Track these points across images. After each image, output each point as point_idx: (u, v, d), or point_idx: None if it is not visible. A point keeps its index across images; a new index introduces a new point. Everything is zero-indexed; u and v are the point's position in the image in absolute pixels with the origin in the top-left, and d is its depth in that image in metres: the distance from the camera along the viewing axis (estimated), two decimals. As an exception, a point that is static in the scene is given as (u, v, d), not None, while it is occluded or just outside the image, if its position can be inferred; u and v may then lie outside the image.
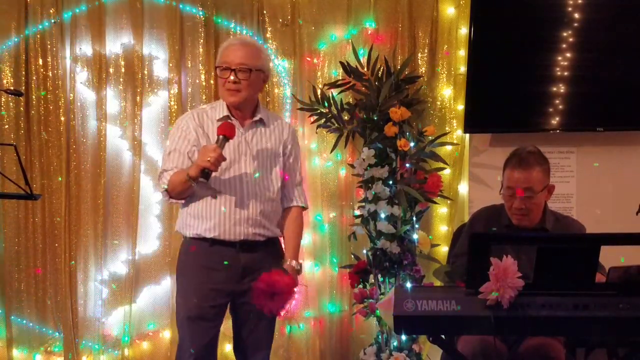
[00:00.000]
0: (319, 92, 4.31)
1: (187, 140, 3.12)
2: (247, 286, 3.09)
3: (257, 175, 3.11)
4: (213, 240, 3.09)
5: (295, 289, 3.06)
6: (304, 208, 3.31)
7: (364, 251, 4.26)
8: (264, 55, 3.19)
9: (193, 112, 3.22)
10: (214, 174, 2.99)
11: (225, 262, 3.08)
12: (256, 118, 3.17)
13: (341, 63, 4.36)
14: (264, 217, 3.12)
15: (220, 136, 2.98)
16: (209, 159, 2.91)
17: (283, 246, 3.25)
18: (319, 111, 4.32)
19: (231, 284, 3.10)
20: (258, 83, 3.15)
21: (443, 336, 2.73)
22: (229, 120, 3.11)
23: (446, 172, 4.38)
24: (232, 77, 3.07)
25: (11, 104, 4.50)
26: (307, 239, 4.51)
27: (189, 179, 2.96)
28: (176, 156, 3.12)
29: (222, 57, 3.13)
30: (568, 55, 4.22)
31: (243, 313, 3.16)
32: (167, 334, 4.53)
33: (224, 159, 2.98)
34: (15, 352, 4.55)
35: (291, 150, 3.25)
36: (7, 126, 4.51)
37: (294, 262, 3.17)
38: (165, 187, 3.09)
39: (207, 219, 3.09)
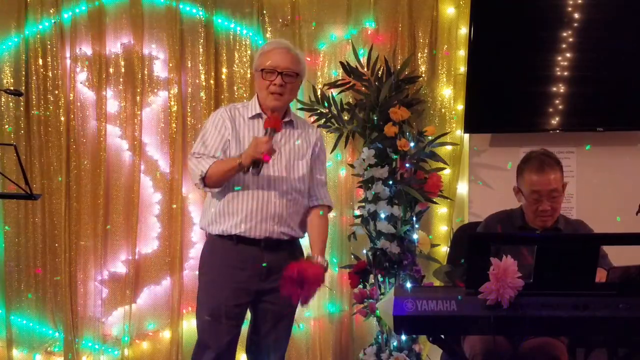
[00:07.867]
0: (319, 92, 4.31)
1: (220, 132, 3.13)
2: (270, 285, 3.11)
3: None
4: (238, 238, 3.09)
5: (322, 281, 3.08)
6: (330, 208, 3.34)
7: (364, 251, 4.25)
8: (303, 63, 3.24)
9: (225, 107, 3.24)
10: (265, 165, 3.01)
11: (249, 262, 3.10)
12: (286, 120, 3.19)
13: (341, 63, 4.36)
14: (290, 215, 3.15)
15: (269, 128, 3.00)
16: (262, 150, 2.92)
17: (309, 244, 3.27)
18: (319, 111, 4.32)
19: (255, 282, 3.12)
20: (297, 89, 3.23)
21: (443, 336, 2.74)
22: (274, 114, 3.10)
23: (446, 172, 4.37)
24: (278, 80, 3.09)
25: (11, 104, 4.51)
26: (307, 238, 4.49)
27: (240, 167, 2.97)
28: (210, 143, 3.12)
29: (269, 59, 3.12)
30: (568, 55, 4.22)
31: (264, 312, 3.17)
32: (167, 334, 4.52)
33: (275, 151, 3.00)
34: (15, 352, 4.55)
35: (319, 153, 3.26)
36: (7, 126, 4.51)
37: (320, 258, 3.18)
38: (204, 174, 3.05)
39: (233, 215, 3.10)
